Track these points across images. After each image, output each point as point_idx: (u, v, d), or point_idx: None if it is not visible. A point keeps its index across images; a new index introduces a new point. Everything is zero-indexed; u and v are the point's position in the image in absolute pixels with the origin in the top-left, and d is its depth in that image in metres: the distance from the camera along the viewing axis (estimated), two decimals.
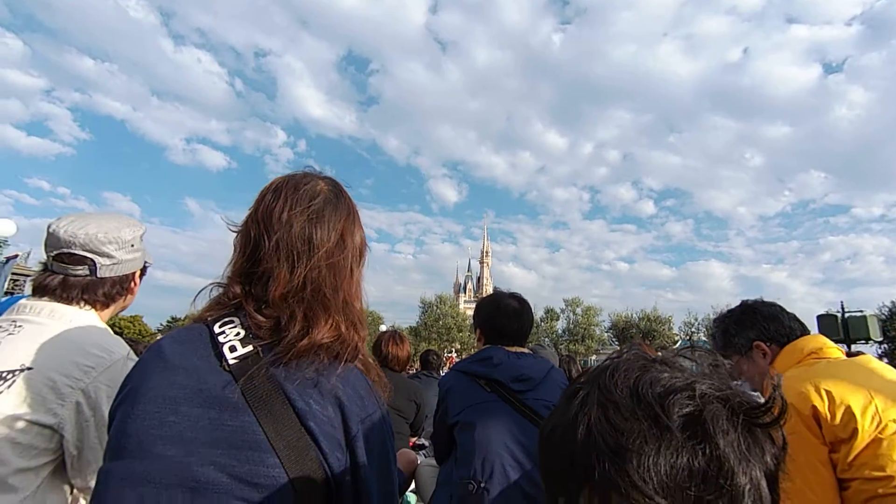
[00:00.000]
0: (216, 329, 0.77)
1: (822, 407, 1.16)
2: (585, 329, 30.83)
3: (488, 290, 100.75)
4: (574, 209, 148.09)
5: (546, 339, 31.32)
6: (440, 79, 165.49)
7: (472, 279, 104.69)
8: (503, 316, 1.85)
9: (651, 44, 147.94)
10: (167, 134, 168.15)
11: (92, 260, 1.17)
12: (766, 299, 1.54)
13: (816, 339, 1.38)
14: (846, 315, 11.31)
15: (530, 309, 1.96)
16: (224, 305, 0.81)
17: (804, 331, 1.43)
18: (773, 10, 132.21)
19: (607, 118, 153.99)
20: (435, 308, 34.90)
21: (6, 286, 9.87)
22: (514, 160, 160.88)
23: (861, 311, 11.45)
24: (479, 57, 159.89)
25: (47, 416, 0.99)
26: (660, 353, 0.51)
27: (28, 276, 12.41)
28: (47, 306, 1.13)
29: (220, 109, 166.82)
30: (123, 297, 1.28)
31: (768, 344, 1.42)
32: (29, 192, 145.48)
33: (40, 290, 1.16)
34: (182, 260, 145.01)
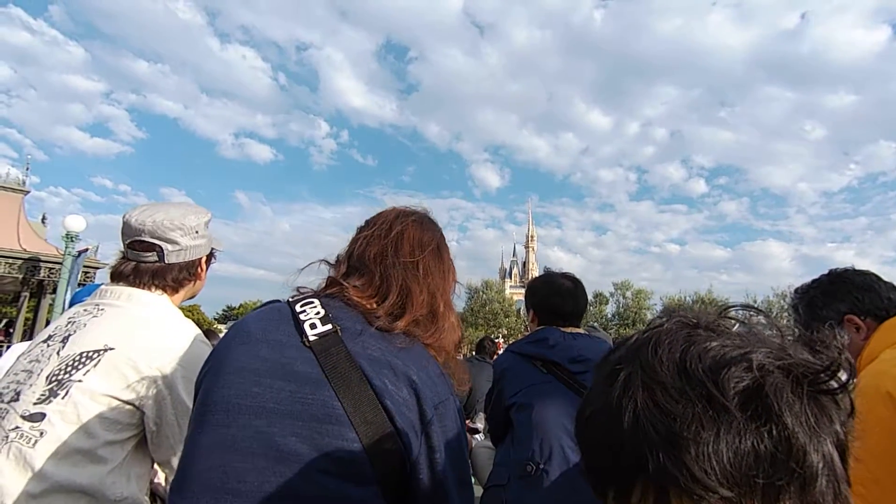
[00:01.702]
0: (297, 308, 0.81)
1: None
2: (636, 313, 29.90)
3: (534, 274, 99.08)
4: (620, 190, 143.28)
5: (595, 324, 30.70)
6: (479, 63, 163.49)
7: (517, 264, 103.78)
8: (557, 295, 1.81)
9: (699, 15, 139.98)
10: (217, 130, 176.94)
11: (160, 246, 1.23)
12: (857, 268, 1.37)
13: None
14: None
15: (584, 289, 1.90)
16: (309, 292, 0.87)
17: None
18: None
19: (653, 95, 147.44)
20: (481, 294, 34.94)
21: (79, 278, 10.73)
22: (557, 142, 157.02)
23: None
24: (517, 38, 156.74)
25: (130, 393, 1.06)
26: (704, 317, 0.44)
27: (98, 268, 13.40)
28: (125, 290, 1.20)
29: (265, 104, 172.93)
30: (192, 282, 1.33)
31: (863, 318, 1.26)
32: (94, 191, 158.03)
33: (116, 276, 1.24)
34: (234, 251, 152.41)
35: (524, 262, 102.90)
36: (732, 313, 0.47)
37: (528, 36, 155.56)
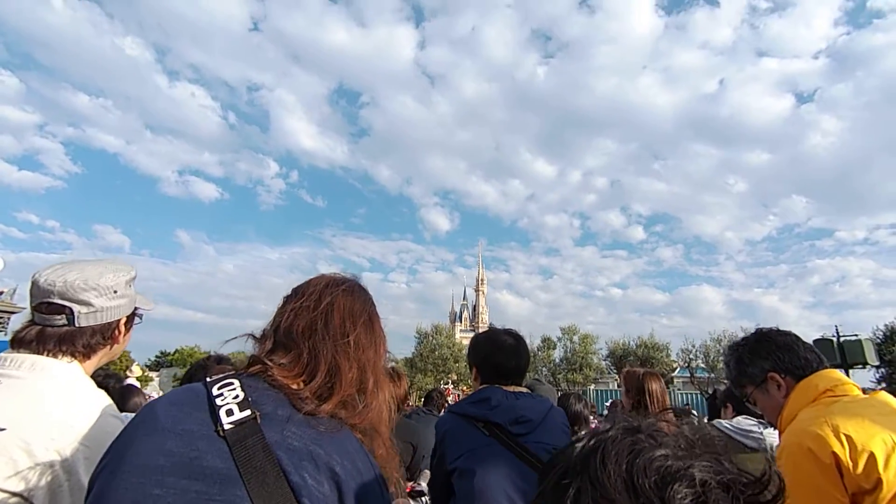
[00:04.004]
0: (214, 391, 0.74)
1: (843, 454, 1.06)
2: (583, 357, 30.47)
3: (484, 318, 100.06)
4: (565, 236, 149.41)
5: (544, 369, 30.94)
6: (429, 110, 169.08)
7: (467, 308, 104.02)
8: (500, 353, 1.80)
9: (631, 76, 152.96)
10: (160, 166, 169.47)
11: (70, 308, 1.12)
12: (780, 328, 1.47)
13: (832, 375, 1.31)
14: (842, 339, 11.29)
15: (526, 345, 1.92)
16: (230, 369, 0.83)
17: (820, 363, 1.35)
18: (743, 45, 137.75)
19: (594, 147, 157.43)
20: (431, 338, 34.49)
21: None
22: (505, 188, 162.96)
23: (856, 335, 11.43)
24: (466, 89, 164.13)
25: (18, 482, 0.93)
26: (644, 421, 0.49)
27: (13, 312, 12.15)
28: (28, 359, 1.07)
29: (213, 142, 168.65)
30: (108, 346, 1.21)
31: (783, 375, 1.35)
32: (18, 226, 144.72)
33: (18, 343, 1.10)
34: (172, 292, 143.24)
35: (474, 306, 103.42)
36: (670, 416, 0.51)
37: (477, 88, 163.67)
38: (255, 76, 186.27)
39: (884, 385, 23.09)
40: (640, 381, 2.50)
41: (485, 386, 1.76)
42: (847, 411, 1.15)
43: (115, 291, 1.19)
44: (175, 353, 60.48)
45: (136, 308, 1.29)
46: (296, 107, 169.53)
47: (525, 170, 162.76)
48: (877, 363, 14.23)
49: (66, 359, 1.12)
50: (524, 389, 1.80)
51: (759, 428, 2.05)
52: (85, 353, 1.15)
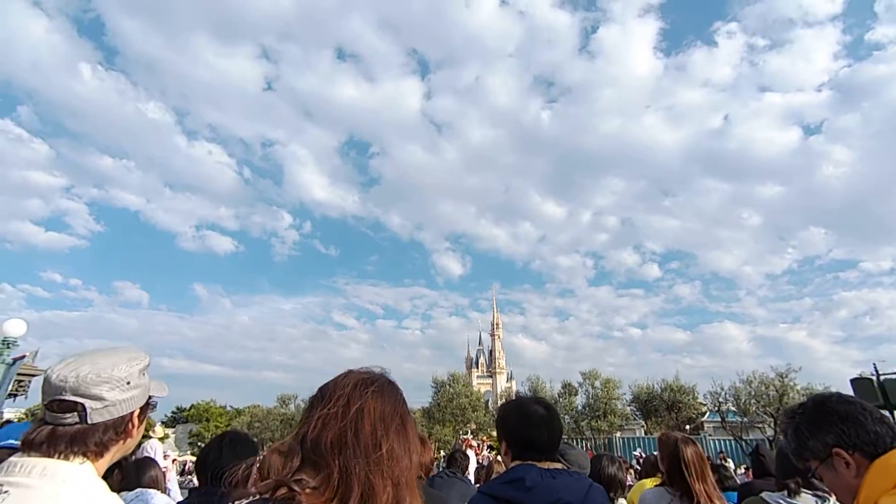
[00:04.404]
0: None
1: None
2: (606, 404, 29.18)
3: (501, 363, 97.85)
4: (579, 276, 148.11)
5: (566, 417, 29.73)
6: (438, 158, 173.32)
7: (483, 353, 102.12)
8: (531, 426, 1.69)
9: (635, 116, 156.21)
10: (178, 222, 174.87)
11: (82, 405, 1.06)
12: (842, 393, 1.32)
13: None
14: (882, 378, 10.73)
15: (558, 414, 1.80)
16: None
17: (894, 438, 1.18)
18: (744, 81, 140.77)
19: (602, 186, 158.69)
20: (448, 387, 33.64)
21: (11, 387, 9.67)
22: (515, 231, 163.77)
23: None
24: (473, 136, 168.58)
25: None
26: None
27: (34, 375, 12.14)
28: (39, 464, 1.01)
29: (228, 197, 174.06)
30: (121, 441, 1.14)
31: (851, 452, 1.18)
32: (42, 286, 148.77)
33: (27, 446, 1.04)
34: (188, 346, 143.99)
35: (490, 350, 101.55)
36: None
37: (483, 134, 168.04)
38: (268, 132, 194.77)
39: None
40: (675, 448, 2.39)
41: (518, 463, 1.64)
42: None
43: (129, 382, 1.13)
44: (191, 408, 59.82)
45: (149, 397, 1.24)
46: (308, 160, 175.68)
47: (535, 212, 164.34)
48: None
49: (78, 459, 1.06)
50: (559, 465, 1.67)
51: (817, 503, 1.86)
52: (97, 452, 1.08)
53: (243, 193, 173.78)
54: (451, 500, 3.78)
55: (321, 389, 0.89)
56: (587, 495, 1.56)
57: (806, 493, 1.94)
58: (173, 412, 59.84)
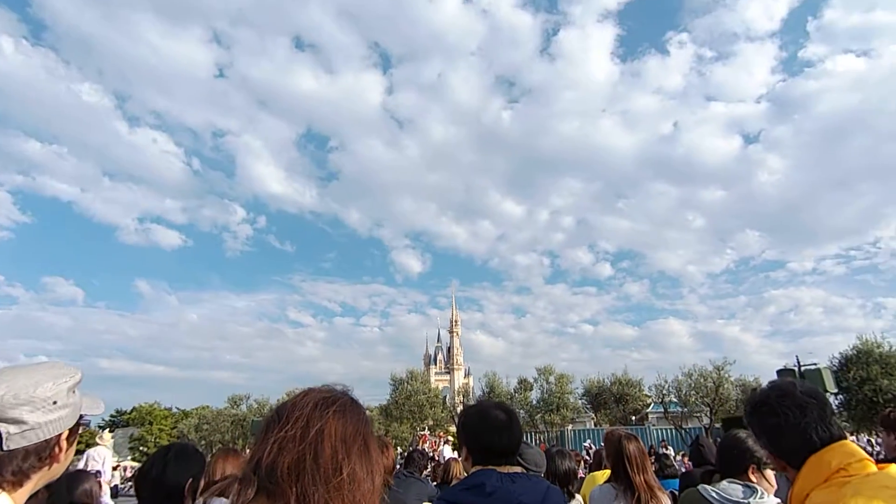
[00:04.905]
0: None
1: None
2: (559, 398, 30.13)
3: (459, 360, 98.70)
4: (536, 274, 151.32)
5: (521, 411, 30.43)
6: (399, 154, 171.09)
7: (442, 349, 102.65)
8: (492, 431, 1.75)
9: (592, 119, 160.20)
10: (118, 214, 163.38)
11: None
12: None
13: (845, 450, 1.22)
14: (802, 368, 11.69)
15: (518, 418, 1.87)
16: None
17: (832, 435, 1.25)
18: (693, 90, 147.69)
19: (560, 187, 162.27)
20: (406, 385, 33.57)
21: None
22: (475, 229, 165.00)
23: (815, 364, 11.88)
24: (434, 133, 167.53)
25: None
26: None
27: None
28: None
29: (175, 188, 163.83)
30: (45, 467, 1.01)
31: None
32: None
33: None
34: (130, 346, 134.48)
35: (449, 347, 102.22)
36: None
37: (444, 131, 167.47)
38: (220, 122, 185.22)
39: (843, 411, 23.75)
40: (619, 445, 2.64)
41: (478, 469, 1.69)
42: (861, 494, 1.09)
43: (55, 402, 1.00)
44: (133, 411, 56.52)
45: (80, 416, 1.09)
46: (263, 152, 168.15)
47: (494, 210, 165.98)
48: (835, 391, 14.71)
49: None
50: (519, 468, 1.74)
51: (748, 495, 2.01)
52: (15, 482, 0.96)
53: (192, 185, 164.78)
54: (409, 501, 3.81)
55: (278, 409, 0.83)
56: (545, 497, 1.64)
57: (736, 483, 2.09)
58: (112, 416, 56.39)
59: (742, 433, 2.23)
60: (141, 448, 48.28)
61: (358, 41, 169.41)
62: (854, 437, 19.32)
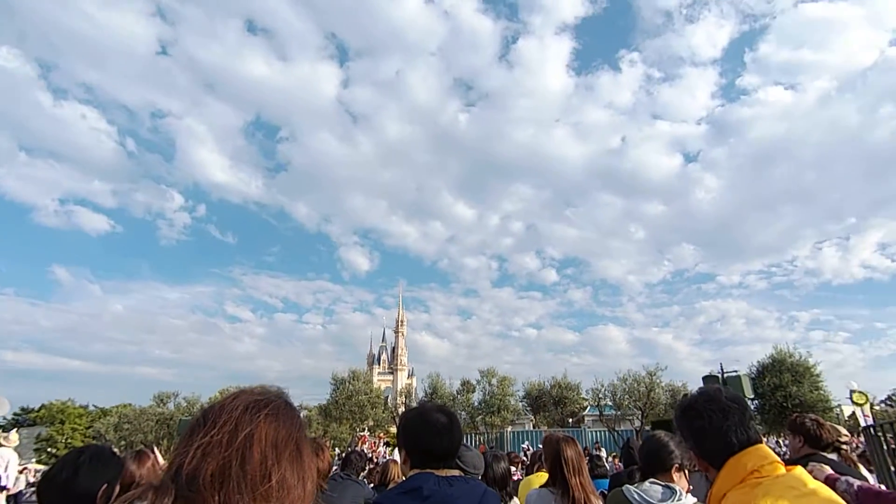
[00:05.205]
0: None
1: None
2: (501, 400, 30.72)
3: (403, 360, 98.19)
4: (484, 277, 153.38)
5: (462, 413, 30.74)
6: (352, 149, 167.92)
7: (386, 350, 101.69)
8: (432, 434, 1.73)
9: (546, 128, 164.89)
10: (36, 193, 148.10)
11: None
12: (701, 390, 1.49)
13: (759, 453, 1.32)
14: (725, 375, 12.59)
15: (459, 422, 1.87)
16: None
17: (749, 439, 1.35)
18: (641, 108, 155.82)
19: (511, 192, 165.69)
20: (347, 384, 32.95)
21: None
22: (426, 229, 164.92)
23: (736, 371, 12.83)
24: (389, 130, 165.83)
25: None
26: None
27: None
28: None
29: (106, 169, 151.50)
30: None
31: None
32: None
33: None
34: (42, 337, 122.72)
35: (394, 347, 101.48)
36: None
37: (400, 129, 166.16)
38: (161, 102, 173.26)
39: (758, 416, 25.81)
40: (557, 448, 2.70)
41: (416, 472, 1.67)
42: (770, 494, 1.20)
43: None
44: (41, 408, 51.68)
45: None
46: (207, 137, 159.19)
47: (446, 212, 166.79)
48: (752, 396, 15.94)
49: None
50: (457, 472, 1.73)
51: (666, 497, 2.09)
52: None
53: (125, 167, 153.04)
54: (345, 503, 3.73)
55: (205, 413, 0.77)
56: (482, 500, 1.64)
57: (657, 484, 2.17)
58: (16, 414, 51.35)
59: (664, 435, 2.35)
60: (49, 450, 44.30)
61: (314, 30, 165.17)
62: (766, 440, 21.03)
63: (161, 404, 35.41)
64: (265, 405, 0.78)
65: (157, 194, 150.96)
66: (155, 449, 2.79)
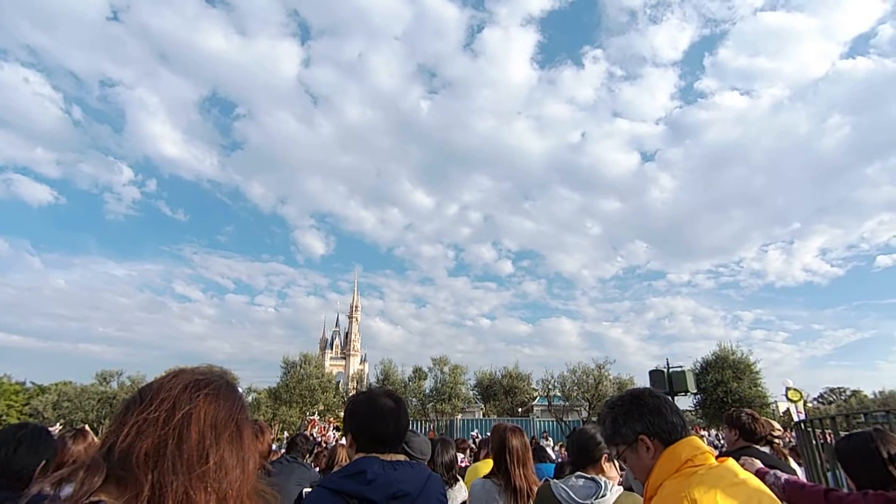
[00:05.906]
0: None
1: None
2: (452, 388, 31.11)
3: (356, 346, 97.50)
4: (440, 266, 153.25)
5: (413, 399, 30.94)
6: (311, 131, 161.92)
7: (339, 335, 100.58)
8: (378, 419, 1.69)
9: (508, 120, 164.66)
10: None
11: None
12: (653, 389, 1.57)
13: (692, 444, 1.41)
14: (670, 370, 13.21)
15: (406, 407, 1.83)
16: None
17: (684, 427, 1.46)
18: (602, 105, 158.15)
19: (471, 182, 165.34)
20: (299, 368, 32.38)
21: None
22: (383, 216, 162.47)
23: (681, 367, 13.49)
24: (350, 113, 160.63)
25: None
26: None
27: None
28: None
29: (49, 137, 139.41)
30: None
31: (652, 439, 1.43)
32: None
33: None
34: None
35: (347, 333, 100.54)
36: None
37: (361, 113, 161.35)
38: (111, 70, 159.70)
39: (699, 409, 27.30)
40: (503, 438, 2.71)
41: (361, 456, 1.62)
42: (703, 484, 1.27)
43: None
44: None
45: None
46: (159, 109, 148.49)
47: (405, 199, 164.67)
48: (695, 391, 16.86)
49: None
50: (402, 456, 1.70)
51: (592, 492, 2.12)
52: None
53: (70, 136, 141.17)
54: (289, 486, 3.64)
55: (141, 391, 0.74)
56: (425, 485, 1.62)
57: (583, 476, 2.19)
58: None
59: (591, 428, 2.37)
60: None
61: (276, 6, 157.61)
62: (706, 433, 22.32)
63: (104, 383, 33.74)
64: (206, 384, 0.76)
65: (104, 166, 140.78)
66: (91, 430, 2.65)
